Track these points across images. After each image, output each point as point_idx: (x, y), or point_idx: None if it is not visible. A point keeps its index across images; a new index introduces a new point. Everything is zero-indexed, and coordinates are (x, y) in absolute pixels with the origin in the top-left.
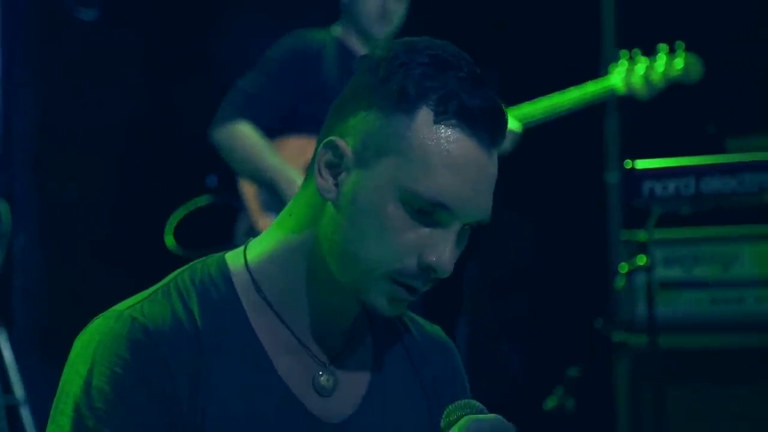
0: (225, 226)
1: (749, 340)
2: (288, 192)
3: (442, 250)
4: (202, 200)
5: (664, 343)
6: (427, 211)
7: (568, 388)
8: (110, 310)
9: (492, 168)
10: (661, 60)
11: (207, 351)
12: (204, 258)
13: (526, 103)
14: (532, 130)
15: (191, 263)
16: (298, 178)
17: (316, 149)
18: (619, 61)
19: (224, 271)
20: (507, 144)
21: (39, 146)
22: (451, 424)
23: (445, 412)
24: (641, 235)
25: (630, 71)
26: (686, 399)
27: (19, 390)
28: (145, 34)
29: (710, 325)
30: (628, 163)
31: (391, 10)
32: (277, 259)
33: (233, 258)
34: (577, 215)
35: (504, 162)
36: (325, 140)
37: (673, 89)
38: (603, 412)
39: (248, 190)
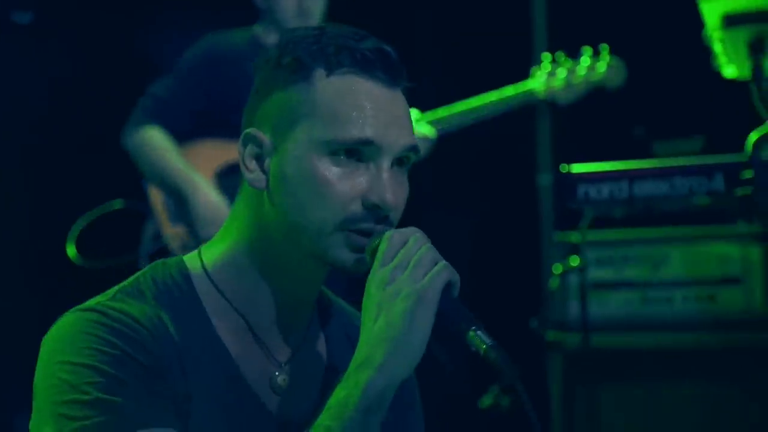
0: (131, 232)
1: (679, 339)
2: (192, 197)
3: (380, 185)
4: (107, 207)
5: (597, 342)
6: (353, 154)
7: (504, 388)
8: (76, 308)
9: (399, 102)
10: (585, 63)
11: (182, 357)
12: (163, 260)
13: (442, 108)
14: (466, 132)
15: (152, 265)
16: (204, 184)
17: (239, 149)
18: (542, 64)
19: (185, 272)
20: (421, 150)
21: None
22: (374, 249)
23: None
24: (574, 237)
25: (552, 75)
26: (618, 397)
27: None
28: (78, 37)
29: (641, 324)
30: (564, 167)
31: (308, 6)
32: (233, 262)
33: (191, 261)
34: (510, 217)
35: (436, 164)
36: (243, 134)
37: (602, 93)
38: (538, 409)
39: (156, 197)
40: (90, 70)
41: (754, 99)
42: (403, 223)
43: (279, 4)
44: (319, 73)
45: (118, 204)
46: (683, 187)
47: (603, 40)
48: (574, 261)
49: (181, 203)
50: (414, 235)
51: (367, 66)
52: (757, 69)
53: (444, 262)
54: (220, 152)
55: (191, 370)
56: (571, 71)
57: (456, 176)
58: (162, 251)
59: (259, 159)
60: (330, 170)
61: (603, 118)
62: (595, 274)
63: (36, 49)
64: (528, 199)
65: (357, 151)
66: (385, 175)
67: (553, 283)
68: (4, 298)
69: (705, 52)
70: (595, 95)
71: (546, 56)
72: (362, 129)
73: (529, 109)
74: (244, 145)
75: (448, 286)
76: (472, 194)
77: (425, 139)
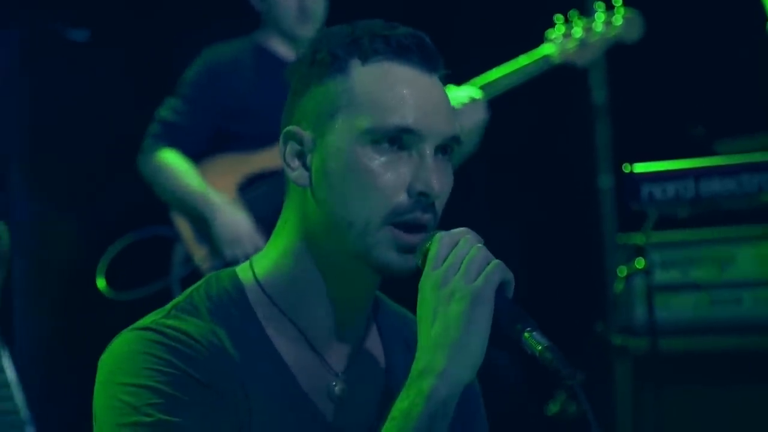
0: (161, 258)
1: (748, 341)
2: (212, 219)
3: (425, 173)
4: (134, 236)
5: (664, 346)
6: (395, 143)
7: (570, 393)
8: (131, 327)
9: (438, 89)
10: (600, 19)
11: (240, 372)
12: (217, 273)
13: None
14: (524, 139)
15: (205, 278)
16: (223, 203)
17: (280, 149)
18: (555, 27)
19: (238, 285)
20: (480, 114)
21: (33, 167)
22: (425, 252)
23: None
24: (638, 239)
25: (567, 36)
26: (686, 401)
27: (23, 410)
28: (134, 54)
29: (709, 327)
30: (626, 167)
31: (309, 7)
32: (284, 269)
33: (243, 272)
34: (571, 221)
35: (496, 169)
36: (282, 133)
37: (661, 93)
38: (604, 416)
39: (181, 221)
40: (146, 88)
41: None
42: (467, 225)
43: (279, 6)
44: (355, 63)
45: (138, 234)
46: (751, 184)
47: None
48: (639, 263)
49: (203, 226)
50: (465, 236)
51: (403, 52)
52: None
53: (497, 260)
54: (236, 166)
55: (250, 383)
56: (586, 29)
57: (515, 181)
58: (194, 274)
59: (301, 156)
60: (373, 160)
61: (660, 118)
62: (661, 276)
63: (92, 66)
64: (589, 202)
65: (399, 140)
66: (430, 162)
67: (618, 287)
68: (103, 306)
69: (765, 46)
70: (655, 96)
71: (558, 18)
72: (403, 116)
73: (587, 109)
74: (285, 144)
75: (502, 286)
76: (533, 199)
77: (476, 102)
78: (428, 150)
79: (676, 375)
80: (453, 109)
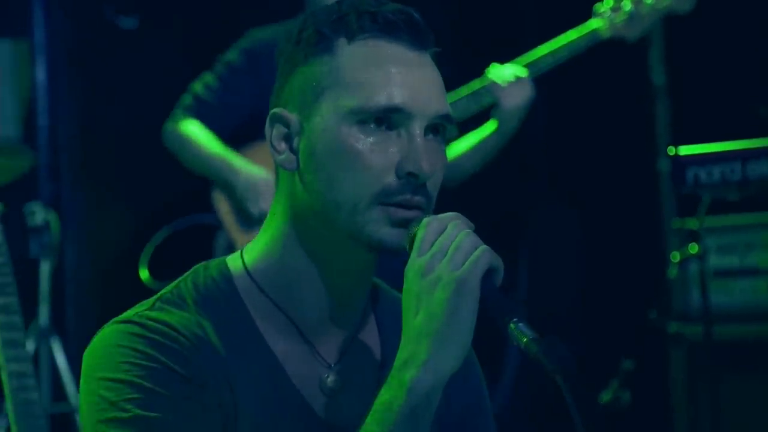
0: (203, 247)
1: None
2: (233, 179)
3: (414, 153)
4: (175, 225)
5: (720, 333)
6: (382, 123)
7: (622, 381)
8: (115, 319)
9: (428, 67)
10: None
11: (225, 364)
12: (205, 263)
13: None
14: (583, 120)
15: (193, 269)
16: (242, 162)
17: (266, 132)
18: (604, 0)
19: (226, 274)
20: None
21: (84, 156)
22: (412, 237)
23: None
24: (692, 223)
25: (616, 9)
26: (743, 390)
27: (73, 397)
28: (184, 41)
29: (766, 314)
30: (671, 150)
31: None
32: (273, 256)
33: (233, 261)
34: (630, 205)
35: (556, 153)
36: (269, 115)
37: (723, 72)
38: (659, 403)
39: (222, 206)
40: (195, 76)
41: None
42: (520, 213)
43: None
44: (341, 41)
45: (178, 224)
46: None
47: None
48: (693, 249)
49: (231, 193)
50: (454, 221)
51: (390, 29)
52: None
53: (485, 246)
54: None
55: (235, 376)
56: (636, 2)
57: (573, 163)
58: None
59: (288, 139)
60: (360, 141)
61: (722, 98)
62: (717, 261)
63: (142, 54)
64: (648, 186)
65: (387, 119)
66: (419, 141)
67: (672, 273)
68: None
69: None
70: (717, 75)
71: None
72: (390, 95)
73: (647, 91)
74: (271, 126)
75: (489, 274)
76: (591, 182)
77: (521, 80)
78: (417, 129)
79: (731, 363)
80: (443, 87)
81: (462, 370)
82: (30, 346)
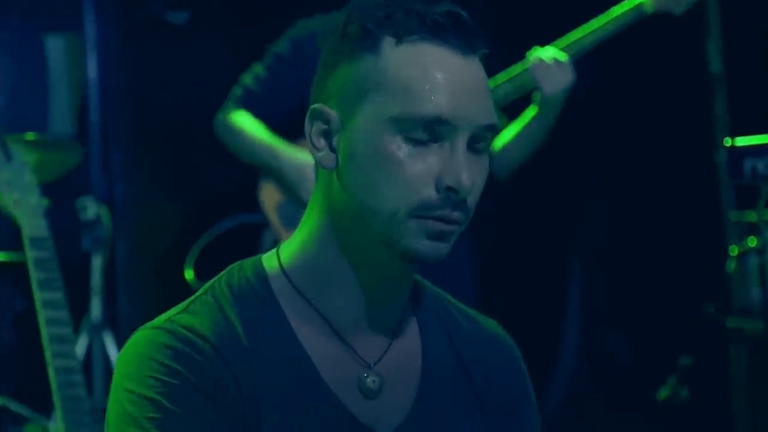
0: (249, 246)
1: None
2: (275, 164)
3: (455, 167)
4: (221, 226)
5: None
6: (425, 132)
7: (681, 377)
8: (148, 324)
9: (475, 71)
10: None
11: (253, 367)
12: (240, 263)
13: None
14: (639, 112)
15: (228, 267)
16: (286, 147)
17: (306, 127)
18: None
19: (261, 274)
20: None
21: (135, 151)
22: None
23: None
24: (751, 216)
25: None
26: None
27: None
28: (234, 34)
29: None
30: (727, 141)
31: None
32: (309, 255)
33: (268, 260)
34: (688, 197)
35: (610, 145)
36: (309, 110)
37: None
38: (718, 400)
39: (269, 205)
40: (245, 71)
41: None
42: (573, 202)
43: None
44: (387, 41)
45: (225, 224)
46: None
47: None
48: (752, 242)
49: (276, 177)
50: None
51: (439, 32)
52: None
53: None
54: None
55: (263, 379)
56: None
57: (630, 154)
58: None
59: (327, 136)
60: (401, 149)
61: None
62: None
63: (192, 49)
64: (707, 178)
65: (430, 129)
66: (461, 155)
67: (731, 266)
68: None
69: None
70: None
71: None
72: (436, 105)
73: (704, 80)
74: (311, 123)
75: None
76: (648, 173)
77: (561, 64)
78: (461, 141)
79: None
80: (490, 94)
81: (504, 358)
82: (83, 341)
